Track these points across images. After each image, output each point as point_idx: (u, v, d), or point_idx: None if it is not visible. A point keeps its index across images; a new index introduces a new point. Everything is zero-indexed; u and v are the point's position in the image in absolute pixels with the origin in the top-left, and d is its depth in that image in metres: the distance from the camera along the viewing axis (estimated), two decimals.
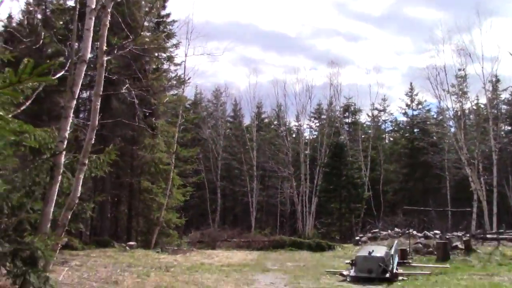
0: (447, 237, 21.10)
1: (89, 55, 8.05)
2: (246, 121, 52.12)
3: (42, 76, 2.58)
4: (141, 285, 9.95)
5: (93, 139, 6.87)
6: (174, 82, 27.48)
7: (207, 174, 43.14)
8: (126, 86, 7.44)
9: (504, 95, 43.33)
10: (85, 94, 23.05)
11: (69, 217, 6.63)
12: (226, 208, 51.18)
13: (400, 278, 12.32)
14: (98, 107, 6.74)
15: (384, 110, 53.34)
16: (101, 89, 6.90)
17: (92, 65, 14.08)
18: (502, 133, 40.49)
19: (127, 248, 18.36)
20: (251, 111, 49.14)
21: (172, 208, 24.92)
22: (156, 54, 23.00)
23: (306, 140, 47.52)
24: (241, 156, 45.13)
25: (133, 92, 7.35)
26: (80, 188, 6.65)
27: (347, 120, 51.87)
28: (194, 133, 39.67)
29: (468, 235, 22.81)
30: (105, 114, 19.80)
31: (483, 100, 36.77)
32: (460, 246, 19.01)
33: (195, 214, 45.49)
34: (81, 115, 22.61)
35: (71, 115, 7.38)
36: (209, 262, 16.30)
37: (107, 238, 20.44)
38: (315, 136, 52.18)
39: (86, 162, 6.94)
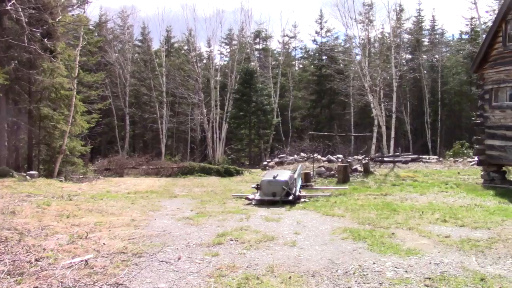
0: (348, 160, 22.26)
1: None
2: (155, 45, 50.43)
3: None
4: (40, 214, 9.57)
5: None
6: (74, 0, 25.51)
7: (115, 100, 41.81)
8: (12, 1, 6.66)
9: (407, 25, 45.17)
10: None
11: None
12: (136, 135, 50.42)
13: (302, 200, 12.86)
14: None
15: (294, 37, 53.75)
16: None
17: None
18: (403, 61, 42.49)
19: (28, 177, 17.53)
20: (160, 35, 47.57)
21: (77, 136, 24.05)
22: None
23: (217, 66, 47.03)
24: (150, 82, 44.02)
25: (20, 9, 6.59)
26: None
27: (257, 47, 51.78)
28: (99, 57, 37.78)
29: (367, 158, 24.21)
30: None
31: (387, 29, 38.05)
32: (359, 168, 20.16)
33: (103, 142, 44.49)
34: None
35: None
36: (115, 190, 16.05)
37: (5, 167, 19.32)
38: (225, 62, 51.85)
39: None
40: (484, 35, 23.55)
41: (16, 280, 5.26)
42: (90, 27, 36.29)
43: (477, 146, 16.32)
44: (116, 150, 39.34)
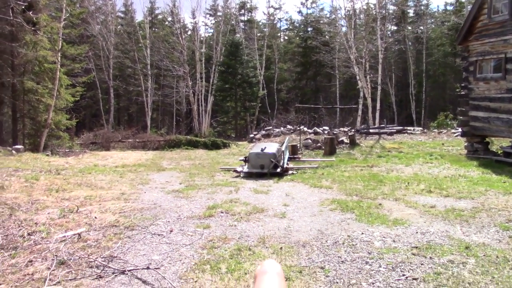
0: (334, 132, 22.41)
1: None
2: (139, 17, 49.67)
3: None
4: (29, 189, 9.55)
5: None
6: None
7: (99, 73, 41.24)
8: None
9: None
10: None
11: None
12: (120, 109, 50.01)
13: (290, 172, 12.99)
14: None
15: (279, 8, 53.37)
16: None
17: None
18: (388, 33, 42.43)
19: (14, 152, 17.39)
20: (143, 7, 46.82)
21: (62, 109, 23.78)
22: None
23: (202, 38, 46.50)
24: (134, 54, 43.43)
25: None
26: None
27: (243, 18, 51.24)
28: (82, 29, 37.11)
29: (353, 130, 24.38)
30: None
31: (373, 0, 37.88)
32: (345, 140, 20.32)
33: (88, 115, 44.10)
34: None
35: None
36: (103, 164, 16.01)
37: None
38: (210, 34, 51.30)
39: None
40: (469, 7, 23.59)
41: (11, 254, 5.31)
42: None
43: (461, 117, 16.52)
44: (101, 124, 38.93)
